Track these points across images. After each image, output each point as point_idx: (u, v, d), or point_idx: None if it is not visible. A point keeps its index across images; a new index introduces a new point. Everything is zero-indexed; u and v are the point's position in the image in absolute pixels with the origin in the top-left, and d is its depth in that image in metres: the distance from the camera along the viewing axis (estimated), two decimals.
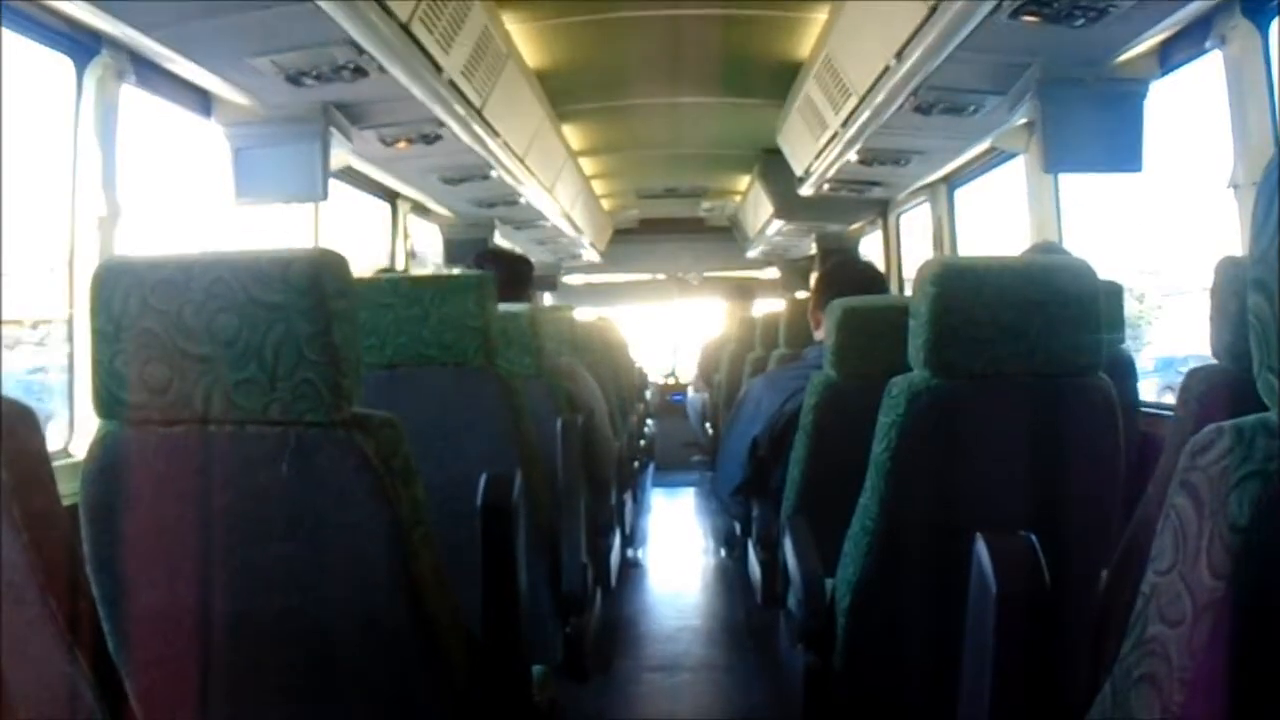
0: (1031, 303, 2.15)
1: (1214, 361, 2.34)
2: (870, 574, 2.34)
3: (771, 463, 3.28)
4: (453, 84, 3.91)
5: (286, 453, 1.60)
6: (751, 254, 10.17)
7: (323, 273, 1.58)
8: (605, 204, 9.54)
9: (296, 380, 1.58)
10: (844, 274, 3.54)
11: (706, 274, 11.47)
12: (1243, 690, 0.91)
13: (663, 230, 10.78)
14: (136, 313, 1.58)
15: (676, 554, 7.20)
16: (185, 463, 1.62)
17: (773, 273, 10.96)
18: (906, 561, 2.31)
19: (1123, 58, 3.56)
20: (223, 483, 1.61)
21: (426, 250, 7.02)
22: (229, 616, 1.67)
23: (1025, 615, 1.57)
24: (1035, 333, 2.16)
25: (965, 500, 2.25)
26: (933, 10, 3.24)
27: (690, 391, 10.49)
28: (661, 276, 11.52)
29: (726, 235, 10.68)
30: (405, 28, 3.26)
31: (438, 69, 3.68)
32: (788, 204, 7.49)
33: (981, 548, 1.59)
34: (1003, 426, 2.22)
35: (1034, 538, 1.60)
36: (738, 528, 5.41)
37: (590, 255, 9.97)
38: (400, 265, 6.16)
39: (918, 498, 2.26)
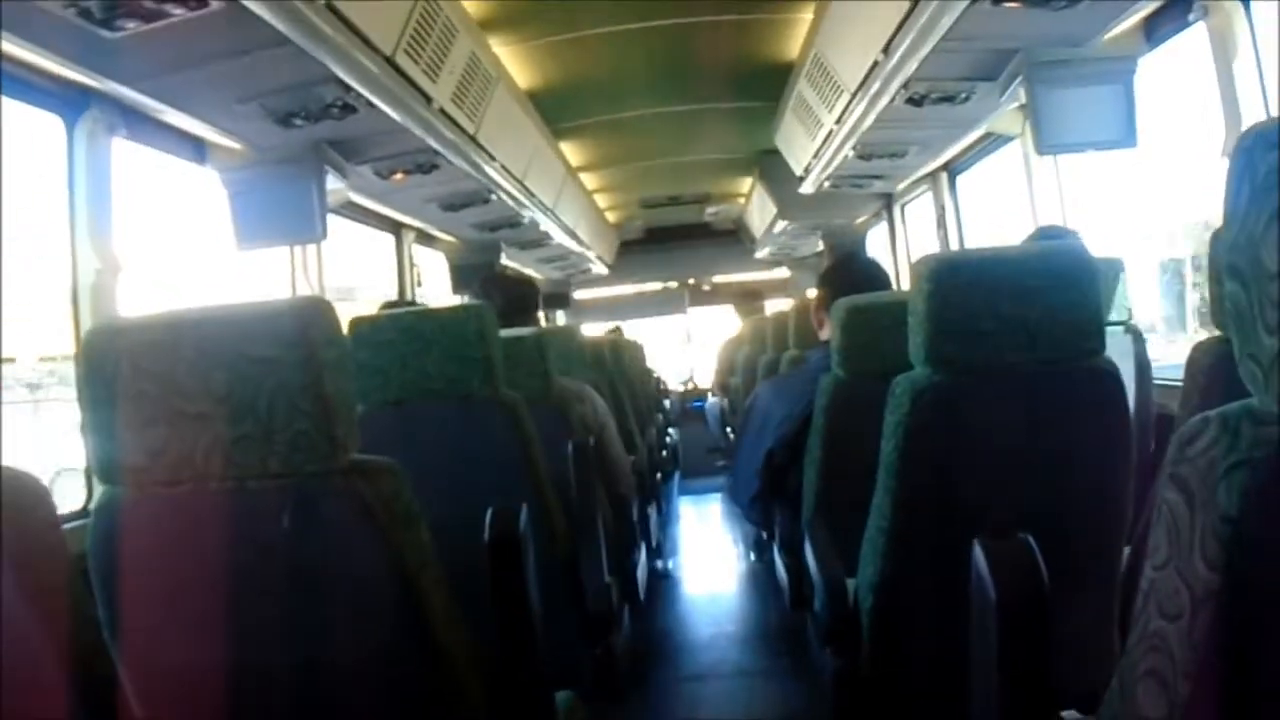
0: (1028, 290, 2.15)
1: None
2: (888, 574, 2.34)
3: (789, 467, 3.28)
4: (444, 112, 3.91)
5: (287, 505, 1.60)
6: (759, 255, 10.16)
7: (310, 323, 1.59)
8: (610, 216, 9.54)
9: (292, 432, 1.59)
10: (846, 273, 3.53)
11: (717, 278, 11.47)
12: (1245, 680, 0.90)
13: (669, 238, 10.77)
14: (129, 376, 1.59)
15: (706, 562, 7.20)
16: (188, 522, 1.63)
17: (783, 272, 10.96)
18: (921, 560, 2.30)
19: (1108, 35, 3.55)
20: (227, 540, 1.62)
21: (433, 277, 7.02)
22: (242, 672, 1.68)
23: (1025, 619, 1.56)
24: (1035, 320, 2.16)
25: (976, 494, 2.24)
26: (915, 3, 3.24)
27: (709, 397, 10.48)
28: (672, 284, 11.52)
29: (733, 238, 10.67)
30: (390, 61, 3.26)
31: (427, 99, 3.69)
32: (791, 203, 7.49)
33: (979, 553, 1.59)
34: (1009, 417, 2.22)
35: (1031, 539, 1.59)
36: (763, 532, 5.41)
37: (598, 269, 9.98)
38: (410, 296, 6.15)
39: (929, 495, 2.25)
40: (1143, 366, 3.48)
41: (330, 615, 1.68)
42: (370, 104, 3.39)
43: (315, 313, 1.62)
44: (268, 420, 1.59)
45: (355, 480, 1.62)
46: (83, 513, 2.92)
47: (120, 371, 1.60)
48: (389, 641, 1.70)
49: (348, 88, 3.23)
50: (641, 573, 4.60)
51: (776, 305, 10.39)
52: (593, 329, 9.42)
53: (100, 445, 1.63)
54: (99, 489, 1.69)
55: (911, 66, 3.71)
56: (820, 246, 9.05)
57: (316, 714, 1.74)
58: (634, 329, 10.74)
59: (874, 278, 3.47)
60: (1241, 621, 0.89)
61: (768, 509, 3.62)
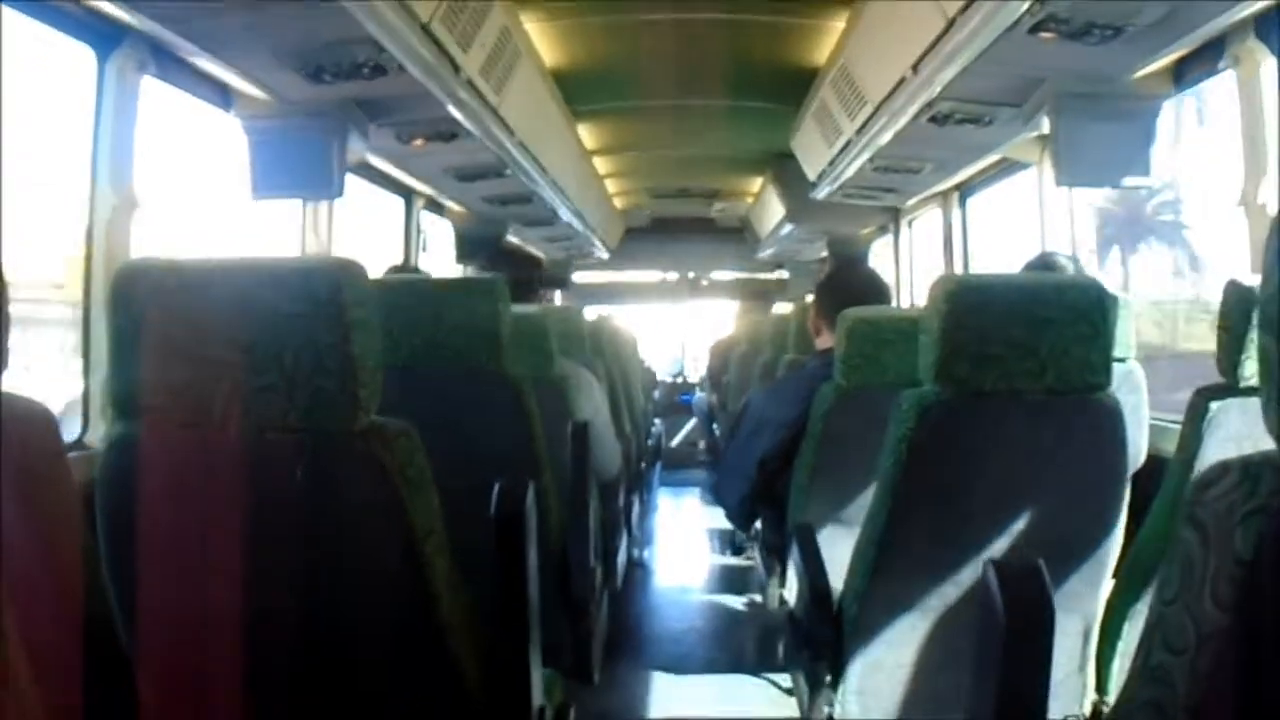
0: (1042, 320, 2.18)
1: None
2: (877, 586, 2.37)
3: (779, 471, 3.30)
4: (471, 83, 3.92)
5: (303, 460, 1.62)
6: (762, 255, 10.18)
7: (343, 283, 1.61)
8: (617, 202, 9.55)
9: (314, 388, 1.61)
10: (845, 283, 3.55)
11: (716, 274, 11.48)
12: (1245, 717, 0.93)
13: (674, 229, 10.77)
14: (157, 317, 1.61)
15: (683, 554, 7.23)
16: (202, 466, 1.65)
17: (783, 274, 10.96)
18: (913, 575, 2.33)
19: (1137, 75, 3.56)
20: (239, 487, 1.64)
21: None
22: (243, 619, 1.70)
23: (1030, 642, 1.58)
24: (1045, 350, 2.19)
25: (973, 515, 2.28)
26: (950, 24, 3.25)
27: (698, 391, 10.50)
28: (672, 275, 11.52)
29: (737, 236, 10.67)
30: (426, 27, 3.27)
31: (456, 68, 3.70)
32: (799, 207, 7.50)
33: (990, 572, 1.60)
34: (1011, 442, 2.25)
35: (1042, 564, 1.61)
36: (743, 533, 5.45)
37: (601, 253, 9.99)
38: (414, 261, 6.15)
39: (925, 512, 2.28)
40: (1140, 405, 3.51)
41: (335, 570, 1.70)
42: (401, 67, 3.39)
43: (348, 273, 1.64)
44: (291, 374, 1.61)
45: (372, 441, 1.65)
46: (79, 443, 2.93)
47: (148, 311, 1.62)
48: (390, 601, 1.73)
49: (381, 49, 3.23)
50: (621, 559, 4.63)
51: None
52: (588, 311, 9.43)
53: (121, 381, 1.65)
54: (114, 423, 1.71)
55: (938, 86, 3.72)
56: (824, 253, 9.06)
57: (315, 664, 1.77)
58: (628, 316, 10.72)
59: (873, 289, 3.49)
60: (1245, 661, 0.92)
61: (753, 512, 3.64)
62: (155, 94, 3.31)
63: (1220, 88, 3.44)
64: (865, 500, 2.42)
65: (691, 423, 10.76)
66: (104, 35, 3.02)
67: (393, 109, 4.08)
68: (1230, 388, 2.27)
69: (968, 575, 2.02)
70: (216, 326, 1.61)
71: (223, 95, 3.74)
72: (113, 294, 1.65)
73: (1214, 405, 2.26)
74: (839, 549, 2.63)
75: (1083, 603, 2.38)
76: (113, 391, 1.67)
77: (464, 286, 2.80)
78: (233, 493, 1.64)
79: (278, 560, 1.69)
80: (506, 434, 2.76)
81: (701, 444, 10.20)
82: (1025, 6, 2.90)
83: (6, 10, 2.60)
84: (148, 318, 1.62)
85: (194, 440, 1.64)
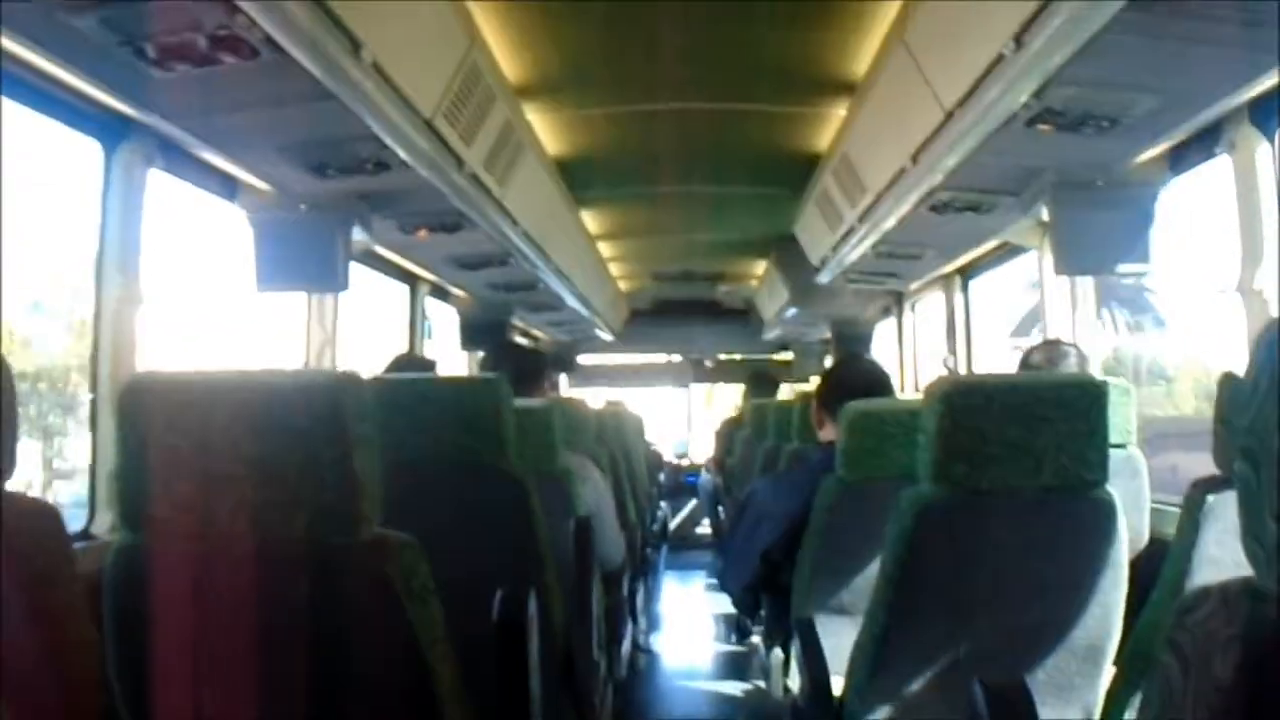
0: (1038, 419, 2.20)
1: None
2: (878, 681, 2.37)
3: (783, 563, 3.29)
4: (474, 176, 3.95)
5: (307, 572, 1.63)
6: (768, 337, 10.19)
7: (344, 397, 1.63)
8: (622, 285, 9.58)
9: (318, 502, 1.63)
10: (848, 376, 3.56)
11: (722, 356, 11.49)
12: None
13: (678, 312, 10.77)
14: (162, 431, 1.63)
15: (688, 639, 7.19)
16: (206, 577, 1.66)
17: (788, 355, 10.95)
18: (914, 671, 2.33)
19: (1134, 163, 3.59)
20: (243, 598, 1.65)
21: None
22: None
23: None
24: (1041, 448, 2.21)
25: (972, 610, 2.28)
26: (948, 116, 3.29)
27: (703, 474, 10.47)
28: (677, 357, 11.52)
29: (742, 317, 10.68)
30: (429, 123, 3.31)
31: (459, 163, 3.73)
32: (803, 291, 7.51)
33: (978, 693, 1.61)
34: (1008, 539, 2.26)
35: (1028, 683, 1.62)
36: (748, 619, 5.42)
37: (606, 336, 10.01)
38: (420, 349, 6.15)
39: (925, 608, 2.29)
40: (1141, 490, 3.50)
41: (338, 679, 1.71)
42: (404, 163, 3.43)
43: (349, 387, 1.66)
44: (295, 488, 1.63)
45: (375, 554, 1.66)
46: (84, 534, 2.93)
47: (154, 425, 1.63)
48: (393, 708, 1.73)
49: (384, 146, 3.27)
50: (626, 646, 4.60)
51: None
52: (593, 393, 9.45)
53: (128, 492, 1.66)
54: (121, 533, 1.71)
55: (938, 177, 3.76)
56: (828, 334, 9.08)
57: None
58: (633, 398, 10.72)
59: (875, 382, 3.50)
60: None
61: (757, 600, 3.63)
62: (163, 187, 3.34)
63: None
64: (868, 591, 2.42)
65: (693, 503, 10.74)
66: (110, 129, 3.05)
67: (397, 201, 4.12)
68: (1227, 480, 2.27)
69: (967, 671, 2.02)
70: (221, 441, 1.63)
71: (227, 187, 3.78)
72: (119, 408, 1.67)
73: (1211, 498, 2.27)
74: (843, 639, 2.62)
75: (1082, 694, 2.38)
76: (119, 502, 1.69)
77: (466, 385, 2.82)
78: (236, 603, 1.65)
79: (281, 670, 1.69)
80: (509, 530, 2.76)
81: (705, 523, 10.18)
82: (1022, 100, 2.93)
83: (13, 105, 2.64)
84: (154, 431, 1.64)
85: (199, 551, 1.65)
